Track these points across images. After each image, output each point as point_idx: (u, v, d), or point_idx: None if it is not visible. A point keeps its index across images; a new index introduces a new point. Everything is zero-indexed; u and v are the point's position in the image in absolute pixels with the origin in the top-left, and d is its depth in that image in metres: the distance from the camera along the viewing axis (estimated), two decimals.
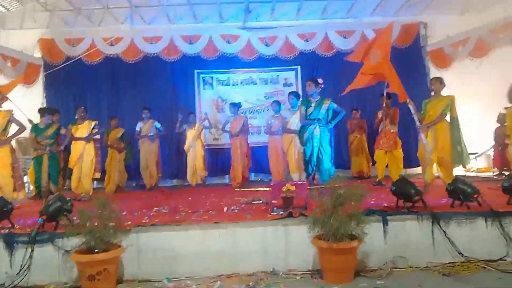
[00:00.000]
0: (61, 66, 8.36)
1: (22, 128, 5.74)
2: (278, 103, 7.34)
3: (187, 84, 8.96)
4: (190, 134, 7.85)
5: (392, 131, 6.58)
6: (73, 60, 8.30)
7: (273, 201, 4.08)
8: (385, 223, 3.54)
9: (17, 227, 3.79)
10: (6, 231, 3.65)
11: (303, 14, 8.96)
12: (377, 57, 5.53)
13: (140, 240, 3.52)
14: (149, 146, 7.67)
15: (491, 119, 7.50)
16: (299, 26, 9.01)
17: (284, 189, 3.95)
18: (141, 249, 3.50)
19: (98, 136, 6.68)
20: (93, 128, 6.46)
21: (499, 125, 7.37)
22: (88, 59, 8.52)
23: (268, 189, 4.88)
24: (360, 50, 6.08)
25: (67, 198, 3.78)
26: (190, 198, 5.81)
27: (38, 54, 8.64)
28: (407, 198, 3.81)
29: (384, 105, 6.31)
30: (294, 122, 6.49)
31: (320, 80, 5.50)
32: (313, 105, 5.33)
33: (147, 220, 3.91)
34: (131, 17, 8.80)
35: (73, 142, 6.40)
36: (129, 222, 3.72)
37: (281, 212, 3.85)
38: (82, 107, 6.72)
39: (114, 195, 6.30)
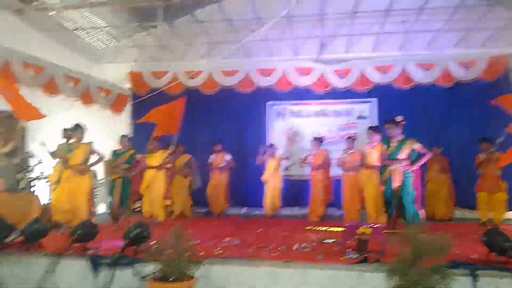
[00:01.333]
0: (146, 97, 9.08)
1: (101, 158, 6.27)
2: (352, 139, 7.18)
3: (259, 116, 9.16)
4: (270, 165, 7.98)
5: (496, 174, 6.58)
6: (157, 91, 8.97)
7: (346, 243, 3.90)
8: (474, 278, 3.19)
9: (100, 249, 4.06)
10: (92, 252, 3.93)
11: (380, 46, 8.79)
12: None
13: (211, 272, 3.56)
14: (219, 176, 7.94)
15: None
16: (375, 59, 8.84)
17: (359, 231, 3.77)
18: (211, 281, 3.53)
19: (170, 165, 7.04)
20: (166, 158, 6.82)
21: None
22: (169, 91, 9.15)
23: (340, 229, 4.71)
24: None
25: (147, 225, 3.99)
26: (259, 230, 5.80)
27: (127, 86, 9.50)
28: (500, 251, 3.41)
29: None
30: (373, 157, 6.24)
31: (399, 118, 5.27)
32: (393, 144, 5.09)
33: (219, 252, 3.96)
34: (210, 51, 9.34)
35: (146, 169, 6.83)
36: (202, 253, 3.80)
37: (355, 256, 3.66)
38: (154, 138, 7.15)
39: (181, 221, 6.58)
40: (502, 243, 3.41)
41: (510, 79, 8.26)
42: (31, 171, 6.87)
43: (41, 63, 6.91)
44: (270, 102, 9.16)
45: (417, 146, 5.36)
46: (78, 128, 5.83)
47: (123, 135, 7.33)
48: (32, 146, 7.31)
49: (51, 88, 7.09)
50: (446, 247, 2.95)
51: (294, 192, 8.62)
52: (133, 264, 3.65)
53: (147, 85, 9.37)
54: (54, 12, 7.46)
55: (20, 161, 6.82)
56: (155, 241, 3.58)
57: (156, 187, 6.72)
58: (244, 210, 8.82)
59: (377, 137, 6.21)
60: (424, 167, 7.72)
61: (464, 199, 7.60)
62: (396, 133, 5.17)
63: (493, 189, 6.58)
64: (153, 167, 6.79)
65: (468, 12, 7.66)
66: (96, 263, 3.71)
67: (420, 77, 8.47)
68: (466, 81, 8.32)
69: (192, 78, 9.13)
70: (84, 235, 3.98)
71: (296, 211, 8.60)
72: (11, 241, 4.22)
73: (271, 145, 8.26)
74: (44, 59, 7.03)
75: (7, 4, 6.87)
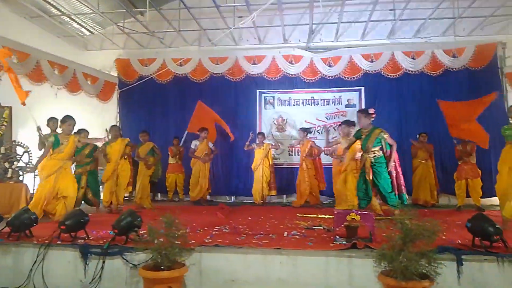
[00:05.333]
0: (134, 84, 8.97)
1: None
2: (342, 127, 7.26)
3: (249, 104, 9.14)
4: (258, 153, 8.00)
5: (472, 161, 7.12)
6: (146, 79, 8.87)
7: (336, 229, 3.96)
8: (459, 263, 3.28)
9: (91, 238, 4.05)
10: (82, 241, 3.91)
11: (369, 34, 8.80)
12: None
13: (202, 260, 3.59)
14: (201, 164, 7.89)
15: None
16: (364, 47, 8.85)
17: (348, 218, 3.82)
18: (203, 269, 3.56)
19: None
20: (126, 145, 6.85)
21: None
22: (159, 78, 9.06)
23: (330, 216, 4.78)
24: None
25: (138, 214, 3.98)
26: (249, 218, 5.83)
27: (114, 73, 9.36)
28: (485, 236, 3.50)
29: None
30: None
31: (371, 110, 5.41)
32: (363, 136, 5.24)
33: (210, 240, 3.98)
34: (200, 38, 9.24)
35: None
36: (193, 241, 3.81)
37: (345, 242, 3.72)
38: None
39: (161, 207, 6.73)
40: (485, 228, 3.50)
41: (498, 66, 8.38)
42: (18, 160, 6.78)
43: (26, 49, 6.77)
44: (260, 90, 9.12)
45: (386, 136, 5.48)
46: (67, 120, 5.71)
47: (113, 126, 7.24)
48: (20, 134, 7.21)
49: (37, 75, 6.96)
50: (434, 233, 3.02)
51: (283, 180, 8.68)
52: (124, 253, 3.65)
53: (135, 73, 9.27)
54: None
55: (7, 150, 6.70)
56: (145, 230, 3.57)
57: (120, 176, 6.76)
58: (232, 198, 8.88)
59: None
60: (409, 154, 7.89)
61: (449, 186, 7.76)
62: (366, 123, 5.30)
63: (472, 176, 7.05)
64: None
65: (456, 0, 7.71)
66: (86, 252, 3.69)
67: (409, 65, 8.53)
68: (454, 68, 8.41)
69: (181, 65, 9.03)
70: (74, 224, 3.95)
71: (285, 198, 8.70)
72: None
73: (260, 133, 8.27)
74: (29, 45, 6.88)
75: None
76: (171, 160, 8.53)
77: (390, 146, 5.60)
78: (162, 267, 3.25)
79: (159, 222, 3.37)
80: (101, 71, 9.02)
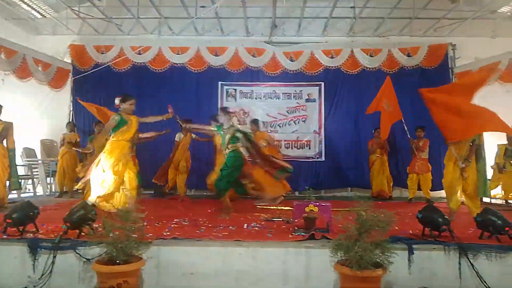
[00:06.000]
0: (90, 72, 8.58)
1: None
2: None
3: (211, 96, 9.03)
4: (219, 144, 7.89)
5: (423, 157, 7.57)
6: (102, 66, 8.50)
7: (294, 221, 4.02)
8: (410, 252, 3.43)
9: (41, 232, 3.84)
10: (31, 235, 3.70)
11: (330, 31, 8.97)
12: (389, 105, 7.01)
13: (160, 253, 3.51)
14: (186, 155, 7.69)
15: None
16: (325, 43, 9.01)
17: (307, 209, 3.89)
18: (161, 262, 3.49)
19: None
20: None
21: None
22: (116, 66, 8.72)
23: (289, 208, 4.84)
24: (373, 103, 7.49)
25: (92, 207, 3.82)
26: (209, 211, 5.79)
27: (68, 60, 8.90)
28: (434, 226, 3.70)
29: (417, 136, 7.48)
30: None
31: (231, 109, 5.72)
32: (222, 133, 5.63)
33: (168, 233, 3.91)
34: (160, 27, 8.98)
35: None
36: (151, 234, 3.72)
37: (303, 234, 3.79)
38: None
39: None
40: (435, 219, 3.70)
41: (449, 66, 8.85)
42: None
43: None
44: (222, 82, 9.04)
45: (237, 132, 5.75)
46: (129, 98, 5.21)
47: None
48: None
49: None
50: (388, 224, 3.14)
51: None
52: (77, 247, 3.50)
53: (90, 60, 8.87)
54: None
55: None
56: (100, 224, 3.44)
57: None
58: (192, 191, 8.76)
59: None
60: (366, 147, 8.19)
61: (401, 179, 8.14)
62: (224, 121, 5.69)
63: (423, 171, 7.51)
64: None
65: (411, 1, 8.01)
66: (35, 247, 3.50)
67: (367, 62, 8.80)
68: (409, 67, 8.78)
69: (140, 53, 8.75)
70: (22, 217, 3.72)
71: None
72: None
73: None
74: None
75: None
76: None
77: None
78: (118, 261, 3.15)
79: (115, 215, 3.26)
80: (53, 57, 8.53)
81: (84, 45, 8.90)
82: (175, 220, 4.77)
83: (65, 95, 8.83)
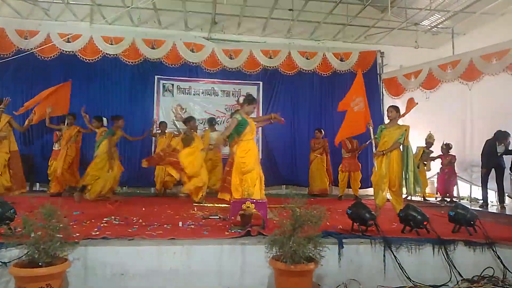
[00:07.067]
0: (11, 58, 7.82)
1: None
2: None
3: (146, 89, 8.73)
4: (161, 142, 7.72)
5: (354, 157, 8.07)
6: (25, 53, 7.79)
7: (231, 218, 4.02)
8: (340, 246, 3.61)
9: None
10: None
11: (269, 31, 9.12)
12: (361, 103, 6.07)
13: (88, 254, 3.30)
14: None
15: (436, 148, 8.03)
16: (264, 43, 9.16)
17: (244, 206, 3.91)
18: (88, 264, 3.28)
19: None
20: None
21: (442, 154, 7.93)
22: (41, 53, 8.05)
23: (226, 205, 4.82)
24: (344, 100, 6.51)
25: (10, 205, 3.49)
26: (144, 209, 5.58)
27: None
28: (362, 222, 3.92)
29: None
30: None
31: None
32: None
33: (97, 233, 3.69)
34: (92, 15, 8.47)
35: None
36: (77, 234, 3.49)
37: (239, 230, 3.80)
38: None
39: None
40: (363, 214, 3.92)
41: (377, 72, 9.46)
42: None
43: None
44: (158, 76, 8.77)
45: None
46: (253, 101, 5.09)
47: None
48: None
49: None
50: (320, 219, 3.26)
51: None
52: None
53: (11, 45, 8.10)
54: None
55: None
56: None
57: None
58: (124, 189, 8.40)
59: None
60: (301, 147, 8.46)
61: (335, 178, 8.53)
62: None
63: (354, 169, 8.02)
64: None
65: (345, 9, 8.43)
66: None
67: (303, 64, 9.10)
68: (341, 71, 9.24)
69: (69, 41, 8.17)
70: None
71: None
72: None
73: (162, 122, 8.03)
74: None
75: None
76: (55, 146, 7.67)
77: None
78: (40, 264, 2.91)
79: (37, 213, 3.00)
80: None
81: (4, 29, 8.09)
82: (105, 219, 4.52)
83: None
